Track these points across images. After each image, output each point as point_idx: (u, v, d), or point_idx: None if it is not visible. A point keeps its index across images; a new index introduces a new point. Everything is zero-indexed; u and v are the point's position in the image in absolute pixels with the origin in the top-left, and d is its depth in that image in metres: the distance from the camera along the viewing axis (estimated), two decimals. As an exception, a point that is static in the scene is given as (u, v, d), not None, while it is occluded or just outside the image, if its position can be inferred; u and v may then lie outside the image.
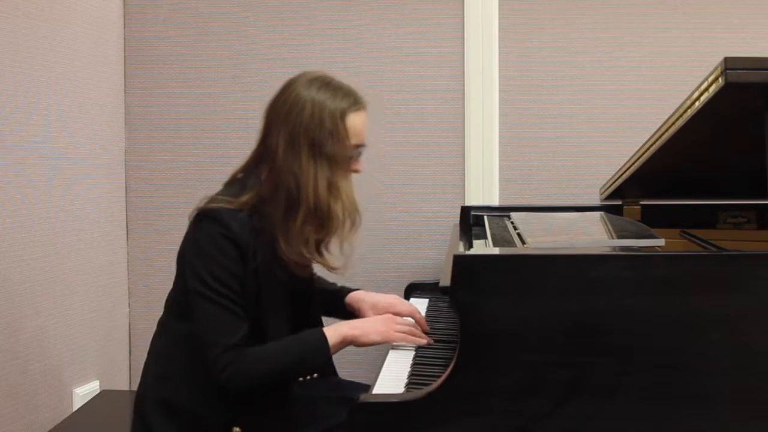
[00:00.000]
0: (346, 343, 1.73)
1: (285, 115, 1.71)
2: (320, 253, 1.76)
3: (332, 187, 1.70)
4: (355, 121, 1.73)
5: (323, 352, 1.70)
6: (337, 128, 1.70)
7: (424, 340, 1.81)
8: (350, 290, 2.00)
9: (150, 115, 2.94)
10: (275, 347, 1.70)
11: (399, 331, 1.78)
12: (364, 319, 1.83)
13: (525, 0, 2.79)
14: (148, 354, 1.81)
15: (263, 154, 1.76)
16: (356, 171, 1.79)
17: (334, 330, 1.73)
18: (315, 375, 1.76)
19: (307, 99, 1.70)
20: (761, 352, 1.43)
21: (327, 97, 1.70)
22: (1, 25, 2.23)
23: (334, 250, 1.78)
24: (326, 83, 1.73)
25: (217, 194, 1.74)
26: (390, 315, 1.85)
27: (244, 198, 1.70)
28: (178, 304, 1.77)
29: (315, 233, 1.71)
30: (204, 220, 1.69)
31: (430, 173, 2.85)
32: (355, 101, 1.74)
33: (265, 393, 1.70)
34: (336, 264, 1.77)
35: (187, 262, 1.70)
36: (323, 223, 1.71)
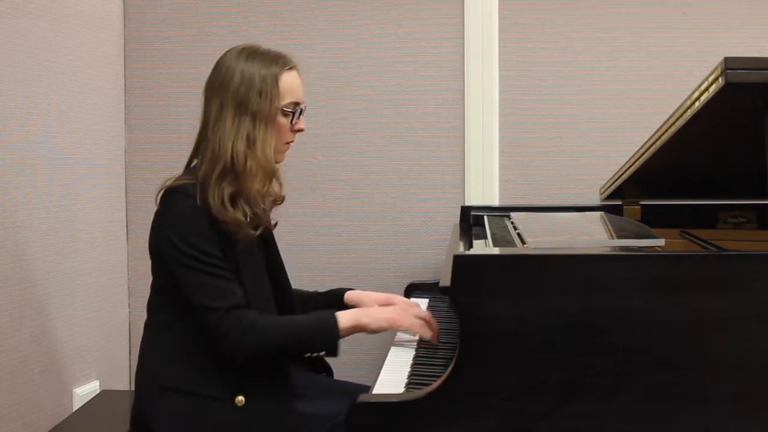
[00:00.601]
0: (358, 329, 1.77)
1: (217, 87, 1.78)
2: (234, 207, 1.74)
3: (250, 141, 1.74)
4: (287, 80, 1.78)
5: (333, 333, 1.74)
6: (266, 88, 1.75)
7: (429, 333, 1.81)
8: (345, 290, 2.02)
9: (150, 115, 2.94)
10: (286, 321, 1.77)
11: (410, 317, 1.80)
12: (377, 308, 1.86)
13: (525, 0, 2.80)
14: (138, 358, 1.84)
15: (202, 131, 1.82)
16: (299, 129, 1.84)
17: (348, 314, 1.77)
18: (322, 353, 1.78)
19: (237, 68, 1.77)
20: (761, 352, 1.43)
21: (256, 64, 1.77)
22: (1, 25, 2.23)
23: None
24: (253, 51, 1.80)
25: (176, 177, 1.80)
26: (406, 305, 1.88)
27: (200, 173, 1.75)
28: (159, 294, 1.80)
29: (229, 186, 1.73)
30: (170, 196, 1.74)
31: (430, 173, 2.85)
32: (285, 62, 1.80)
33: (268, 364, 1.73)
34: (243, 218, 1.74)
35: (164, 240, 1.72)
36: (237, 175, 1.74)
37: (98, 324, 2.73)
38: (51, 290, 2.46)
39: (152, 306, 1.83)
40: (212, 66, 2.87)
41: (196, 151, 1.84)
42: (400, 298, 2.01)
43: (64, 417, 2.44)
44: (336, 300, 2.00)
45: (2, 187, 2.24)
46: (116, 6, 2.88)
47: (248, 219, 1.75)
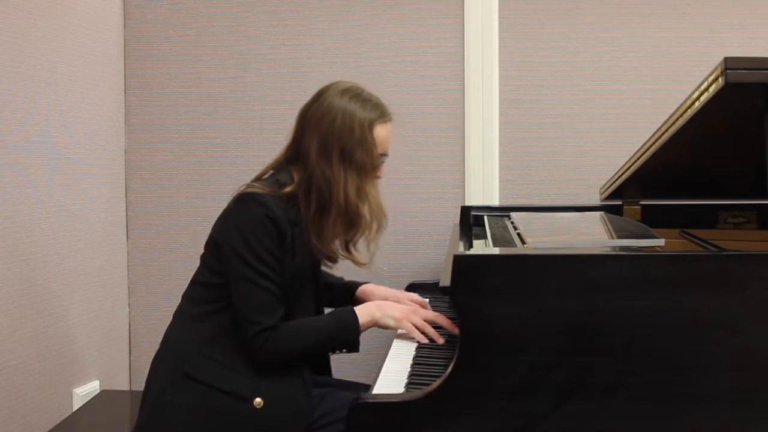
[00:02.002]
0: (374, 322, 1.84)
1: (317, 122, 1.82)
2: (348, 251, 1.89)
3: (361, 193, 1.82)
4: (381, 131, 1.85)
5: (354, 329, 1.80)
6: (365, 137, 1.82)
7: (425, 340, 1.84)
8: (359, 283, 2.09)
9: (150, 115, 2.94)
10: (308, 323, 1.82)
11: (413, 323, 1.85)
12: (388, 302, 1.92)
13: (525, 0, 2.79)
14: (161, 345, 1.85)
15: (295, 154, 1.87)
16: (378, 177, 1.90)
17: (364, 309, 1.83)
18: (344, 350, 1.83)
19: (338, 108, 1.82)
20: (761, 352, 1.43)
21: (357, 108, 1.83)
22: (1, 25, 2.23)
23: (361, 249, 1.91)
24: (357, 94, 1.86)
25: (254, 183, 1.84)
26: (414, 307, 1.93)
27: (285, 190, 1.80)
28: (204, 285, 1.83)
29: (344, 233, 1.85)
30: (247, 202, 1.78)
31: (430, 173, 2.85)
32: (382, 113, 1.87)
33: (289, 368, 1.78)
34: (363, 260, 1.90)
35: (228, 243, 1.77)
36: (352, 224, 1.84)
37: (98, 324, 2.73)
38: (51, 290, 2.46)
39: (193, 296, 1.86)
40: (212, 66, 2.90)
41: (280, 168, 1.88)
42: (414, 296, 2.06)
43: (64, 417, 2.44)
44: (347, 294, 2.07)
45: (2, 187, 2.24)
46: (116, 6, 2.88)
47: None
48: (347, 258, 1.90)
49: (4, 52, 2.25)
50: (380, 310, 1.85)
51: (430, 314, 1.89)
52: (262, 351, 1.72)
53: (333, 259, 1.90)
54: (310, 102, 1.87)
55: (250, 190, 1.79)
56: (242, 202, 1.79)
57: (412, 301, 2.02)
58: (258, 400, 1.73)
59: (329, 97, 1.84)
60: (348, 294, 2.07)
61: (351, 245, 1.89)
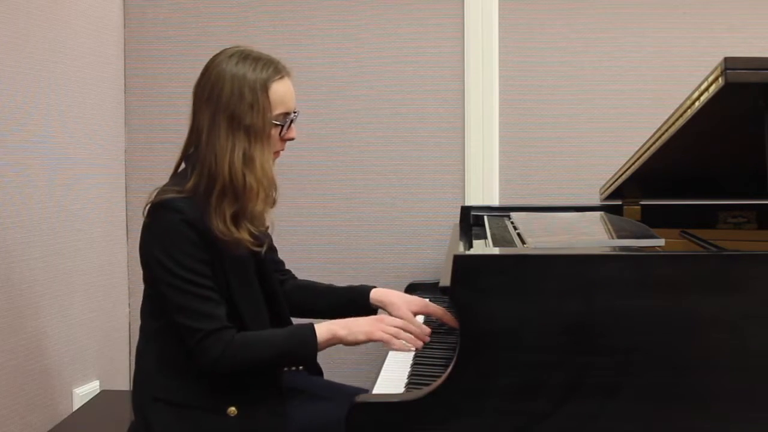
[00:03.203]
0: (335, 341, 1.74)
1: (207, 95, 1.73)
2: (238, 228, 1.73)
3: (247, 159, 1.70)
4: (278, 89, 1.74)
5: (311, 346, 1.71)
6: (257, 99, 1.71)
7: (410, 347, 1.77)
8: (369, 288, 1.97)
9: (150, 115, 2.94)
10: (264, 335, 1.73)
11: (385, 332, 1.75)
12: (352, 318, 1.80)
13: (525, 0, 2.79)
14: (135, 361, 1.84)
15: (192, 137, 1.78)
16: (290, 138, 1.80)
17: (325, 327, 1.74)
18: (300, 368, 1.78)
19: (227, 75, 1.71)
20: (761, 352, 1.43)
21: (247, 70, 1.72)
22: (1, 25, 2.23)
23: (251, 226, 1.75)
24: (245, 56, 1.75)
25: (165, 186, 1.76)
26: (380, 316, 1.83)
27: (189, 185, 1.72)
28: (150, 301, 1.79)
29: (230, 206, 1.71)
30: (158, 210, 1.70)
31: (430, 173, 2.85)
32: (276, 70, 1.75)
33: (258, 375, 1.72)
34: (252, 239, 1.74)
35: (149, 256, 1.70)
36: (237, 195, 1.71)
37: (98, 324, 2.73)
38: (51, 290, 2.46)
39: (144, 312, 1.82)
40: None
41: (185, 157, 1.81)
42: (433, 306, 1.94)
43: (64, 417, 2.44)
44: (356, 298, 1.95)
45: (2, 187, 2.24)
46: (116, 6, 2.88)
47: (252, 237, 1.73)
48: (236, 237, 1.71)
49: (4, 52, 2.24)
50: (345, 327, 1.74)
51: (398, 321, 1.79)
52: (207, 359, 1.65)
53: (233, 242, 1.71)
54: (199, 77, 1.76)
55: (159, 198, 1.71)
56: (154, 212, 1.71)
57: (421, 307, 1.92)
58: (231, 408, 1.70)
59: (217, 66, 1.73)
60: (353, 297, 1.96)
61: (243, 220, 1.73)
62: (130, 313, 2.93)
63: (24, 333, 2.32)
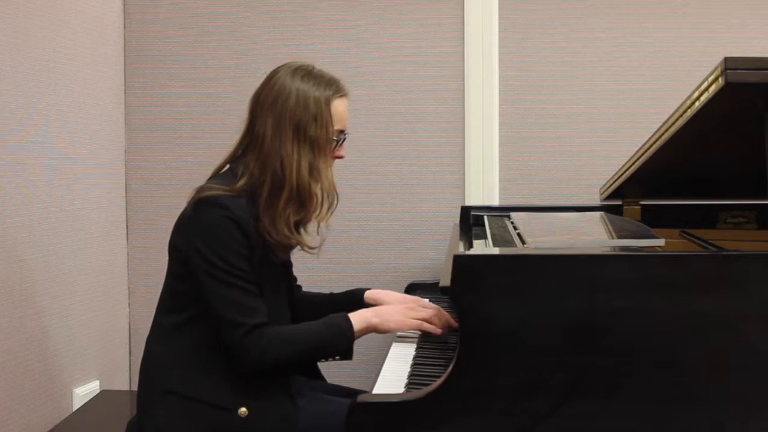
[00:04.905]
0: (370, 329, 1.79)
1: (271, 104, 1.77)
2: (298, 232, 1.81)
3: (313, 170, 1.76)
4: (338, 107, 1.80)
5: (348, 336, 1.74)
6: (321, 113, 1.77)
7: (439, 331, 1.83)
8: (363, 289, 2.01)
9: (150, 115, 2.94)
10: (299, 329, 1.77)
11: (415, 318, 1.82)
12: (385, 306, 1.87)
13: (525, 0, 2.79)
14: (143, 356, 1.82)
15: (250, 142, 1.81)
16: (340, 157, 1.85)
17: (358, 316, 1.78)
18: (337, 357, 1.79)
19: (291, 88, 1.77)
20: (761, 352, 1.43)
21: (311, 86, 1.78)
22: (1, 25, 2.23)
23: (311, 233, 1.84)
24: (309, 72, 1.81)
25: (210, 183, 1.78)
26: (411, 303, 1.90)
27: (238, 185, 1.75)
28: (171, 297, 1.79)
29: (295, 214, 1.77)
30: (205, 205, 1.72)
31: (430, 173, 2.85)
32: (338, 88, 1.81)
33: (270, 376, 1.73)
34: (312, 244, 1.82)
35: (194, 250, 1.71)
36: (303, 203, 1.77)
37: (98, 324, 2.73)
38: (51, 290, 2.46)
39: (164, 307, 1.81)
40: (212, 66, 2.89)
41: (236, 160, 1.83)
42: (425, 302, 1.97)
43: (64, 417, 2.44)
44: (356, 302, 1.98)
45: (2, 187, 2.24)
46: (116, 6, 2.88)
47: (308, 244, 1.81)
48: (298, 242, 1.79)
49: (4, 52, 2.25)
50: (378, 316, 1.79)
51: (426, 306, 1.87)
52: (252, 354, 1.67)
53: (286, 246, 1.80)
54: (261, 86, 1.82)
55: (206, 193, 1.72)
56: (200, 207, 1.72)
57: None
58: (243, 409, 1.69)
59: (281, 78, 1.79)
60: (354, 301, 1.99)
61: (301, 227, 1.82)
62: (130, 313, 2.93)
63: (24, 333, 2.32)
